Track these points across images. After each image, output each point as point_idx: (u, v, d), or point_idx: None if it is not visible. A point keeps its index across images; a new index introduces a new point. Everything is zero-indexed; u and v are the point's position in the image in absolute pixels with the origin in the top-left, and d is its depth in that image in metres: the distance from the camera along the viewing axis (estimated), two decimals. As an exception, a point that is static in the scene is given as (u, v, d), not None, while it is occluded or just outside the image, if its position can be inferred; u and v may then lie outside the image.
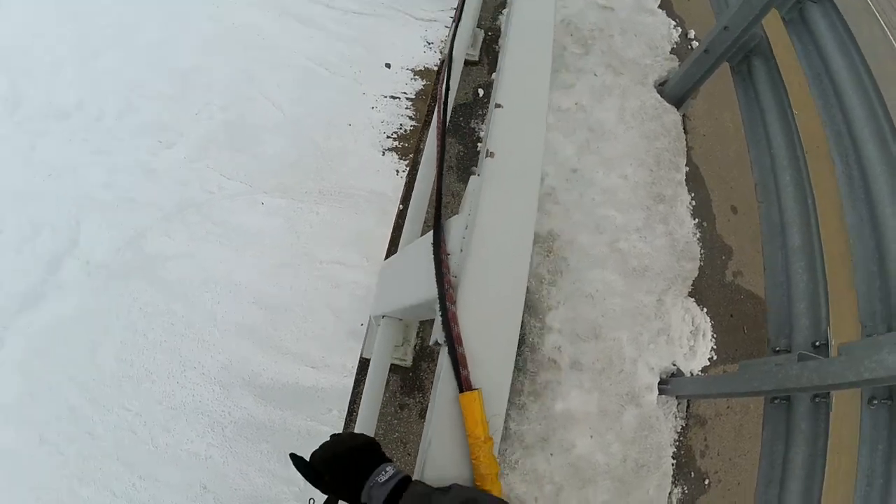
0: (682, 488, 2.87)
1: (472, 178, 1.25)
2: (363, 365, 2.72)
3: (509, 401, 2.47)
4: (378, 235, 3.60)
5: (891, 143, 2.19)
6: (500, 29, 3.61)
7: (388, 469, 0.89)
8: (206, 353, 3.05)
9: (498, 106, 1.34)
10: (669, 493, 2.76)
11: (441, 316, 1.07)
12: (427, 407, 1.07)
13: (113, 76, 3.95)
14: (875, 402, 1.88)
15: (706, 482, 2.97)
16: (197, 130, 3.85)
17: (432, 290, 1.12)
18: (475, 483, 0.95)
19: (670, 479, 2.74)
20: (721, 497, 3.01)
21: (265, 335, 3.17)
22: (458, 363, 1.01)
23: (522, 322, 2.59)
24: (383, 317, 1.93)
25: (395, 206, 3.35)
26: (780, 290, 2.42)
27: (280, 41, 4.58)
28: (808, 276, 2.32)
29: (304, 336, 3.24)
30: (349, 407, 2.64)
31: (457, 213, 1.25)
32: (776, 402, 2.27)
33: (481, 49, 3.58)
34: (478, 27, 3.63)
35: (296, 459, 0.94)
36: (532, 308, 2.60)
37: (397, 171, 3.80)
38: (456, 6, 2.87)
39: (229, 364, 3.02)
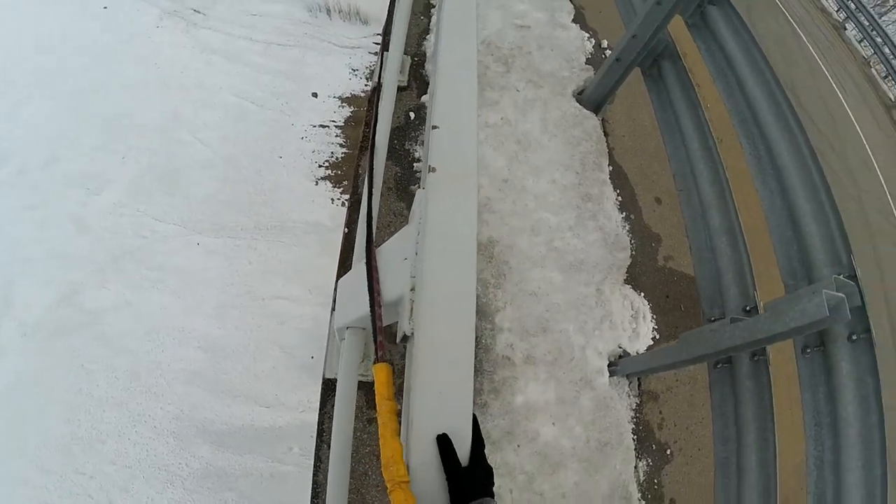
0: (647, 461, 3.03)
1: (418, 192, 1.35)
2: (327, 387, 2.73)
3: (473, 401, 2.57)
4: (319, 266, 3.57)
5: (790, 120, 2.44)
6: (425, 54, 3.76)
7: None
8: (156, 404, 2.95)
9: (434, 127, 1.46)
10: (635, 467, 2.92)
11: (374, 336, 1.22)
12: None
13: (36, 127, 3.82)
14: (808, 350, 2.07)
15: (668, 452, 3.15)
16: (125, 175, 3.76)
17: (395, 291, 1.25)
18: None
19: (633, 453, 2.91)
20: (685, 464, 3.19)
21: (214, 379, 3.10)
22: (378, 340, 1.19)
23: (476, 325, 2.71)
24: (347, 328, 1.97)
25: (333, 235, 3.37)
26: (707, 266, 2.65)
27: (206, 79, 4.55)
28: (732, 250, 2.55)
29: (254, 376, 3.17)
30: (318, 429, 2.64)
31: (397, 231, 1.37)
32: (719, 366, 2.48)
33: (409, 74, 3.71)
34: (405, 54, 3.77)
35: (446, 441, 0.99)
36: (481, 312, 2.72)
37: (332, 200, 3.82)
38: (381, 33, 2.98)
39: (180, 414, 2.94)
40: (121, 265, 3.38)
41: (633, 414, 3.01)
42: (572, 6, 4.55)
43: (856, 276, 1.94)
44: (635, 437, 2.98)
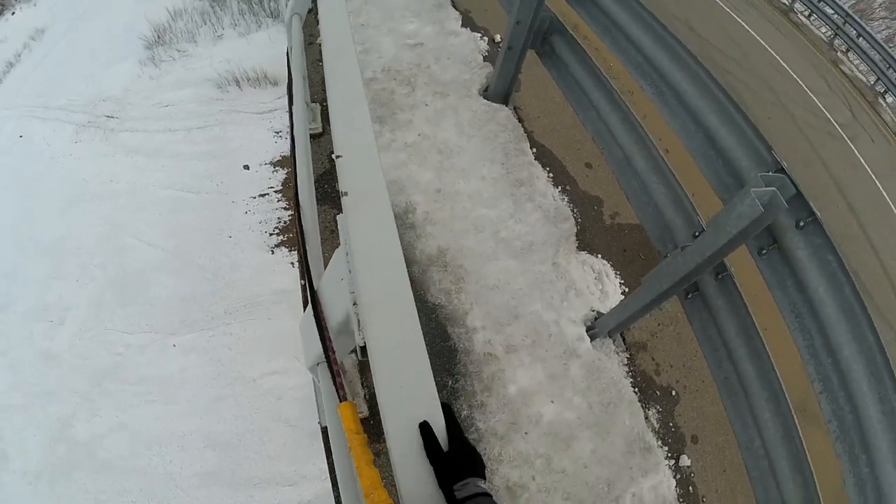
0: (655, 408, 3.11)
1: (339, 217, 1.47)
2: (326, 435, 2.76)
3: (469, 405, 2.64)
4: (295, 331, 3.58)
5: (679, 50, 2.57)
6: None
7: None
8: (180, 515, 2.93)
9: (338, 157, 1.58)
10: (646, 417, 2.99)
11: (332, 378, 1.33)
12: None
13: (-21, 271, 3.81)
14: (764, 251, 2.15)
15: (673, 393, 3.24)
16: (83, 298, 3.75)
17: (341, 313, 1.35)
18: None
19: (638, 404, 2.98)
20: (693, 399, 3.28)
21: (230, 473, 3.07)
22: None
23: (449, 333, 2.79)
24: (318, 364, 2.03)
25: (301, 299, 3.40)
26: (647, 209, 2.77)
27: (136, 181, 4.56)
28: (665, 187, 2.68)
29: (268, 458, 3.14)
30: (331, 478, 2.66)
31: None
32: (690, 296, 2.58)
33: (322, 120, 3.80)
34: (313, 102, 3.86)
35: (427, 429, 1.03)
36: (452, 319, 2.79)
37: (292, 264, 3.85)
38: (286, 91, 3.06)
39: (206, 519, 2.94)
40: (104, 388, 3.35)
41: (626, 368, 3.09)
42: (458, 12, 4.71)
43: (783, 168, 2.02)
44: (635, 389, 3.06)
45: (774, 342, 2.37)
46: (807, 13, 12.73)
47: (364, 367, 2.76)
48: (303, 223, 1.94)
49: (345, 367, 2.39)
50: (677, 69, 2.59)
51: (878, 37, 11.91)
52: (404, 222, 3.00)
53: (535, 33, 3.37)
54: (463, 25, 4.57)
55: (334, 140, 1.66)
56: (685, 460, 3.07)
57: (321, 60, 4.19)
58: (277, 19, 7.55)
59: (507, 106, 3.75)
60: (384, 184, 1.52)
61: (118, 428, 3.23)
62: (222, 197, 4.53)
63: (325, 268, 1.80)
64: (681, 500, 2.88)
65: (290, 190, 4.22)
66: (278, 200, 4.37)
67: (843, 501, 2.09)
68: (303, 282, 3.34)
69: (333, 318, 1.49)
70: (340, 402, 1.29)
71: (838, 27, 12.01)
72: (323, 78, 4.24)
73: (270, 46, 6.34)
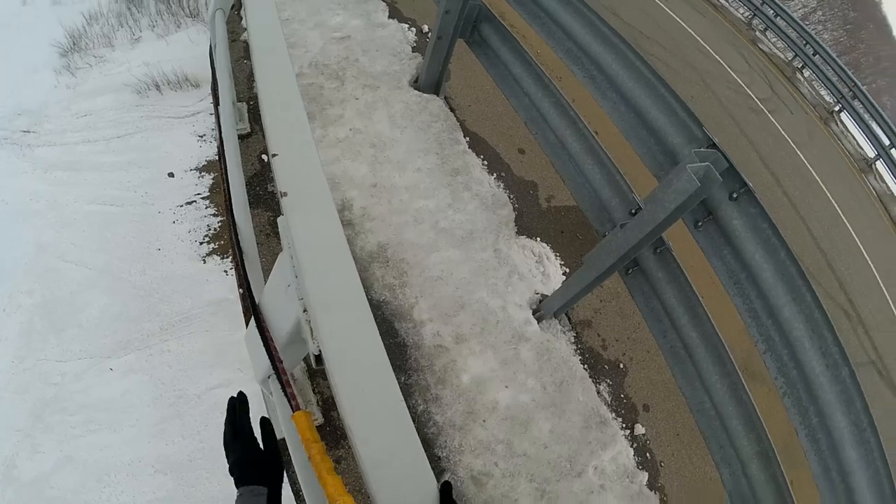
0: (606, 381, 3.19)
1: (280, 219, 1.39)
2: (284, 448, 2.67)
3: (425, 399, 2.61)
4: (237, 340, 3.41)
5: (609, 34, 2.62)
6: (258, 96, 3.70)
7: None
8: (137, 551, 2.78)
9: (274, 155, 1.50)
10: (598, 392, 3.06)
11: (282, 389, 1.30)
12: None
13: None
14: (700, 224, 2.22)
15: (621, 366, 3.34)
16: (12, 328, 3.49)
17: (290, 321, 1.29)
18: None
19: (590, 380, 3.04)
20: (641, 370, 3.40)
21: (186, 496, 2.93)
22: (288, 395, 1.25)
23: (397, 329, 2.75)
24: (269, 378, 1.95)
25: (238, 306, 3.29)
26: (584, 190, 2.81)
27: (57, 197, 4.28)
28: (599, 168, 2.72)
29: (223, 476, 3.04)
30: (292, 489, 2.58)
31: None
32: (630, 272, 2.64)
33: (249, 120, 3.67)
34: (239, 102, 3.71)
35: None
36: (398, 314, 2.76)
37: (226, 272, 3.71)
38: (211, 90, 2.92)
39: (171, 544, 2.80)
40: (45, 422, 3.14)
41: (574, 346, 3.15)
42: (384, 3, 4.65)
43: (715, 144, 2.10)
44: (585, 365, 3.12)
45: (715, 308, 2.45)
46: (725, -4, 13.37)
47: (314, 373, 2.70)
48: (237, 230, 1.85)
49: (294, 376, 2.31)
50: (608, 53, 2.65)
51: (794, 15, 12.64)
52: (341, 219, 2.91)
53: (464, 22, 3.35)
54: (390, 17, 4.52)
55: (268, 138, 1.58)
56: (639, 429, 3.17)
57: (246, 57, 4.07)
58: (197, 18, 7.25)
59: (438, 96, 3.73)
60: (325, 181, 1.45)
61: (64, 462, 3.03)
62: (148, 208, 4.32)
63: (264, 275, 1.72)
64: (640, 467, 2.98)
65: (218, 195, 4.06)
66: (206, 207, 4.19)
67: (796, 451, 2.23)
68: (241, 290, 3.23)
69: (281, 327, 1.42)
70: (294, 412, 1.25)
71: (757, 8, 12.65)
72: (249, 75, 4.12)
73: (191, 47, 6.07)
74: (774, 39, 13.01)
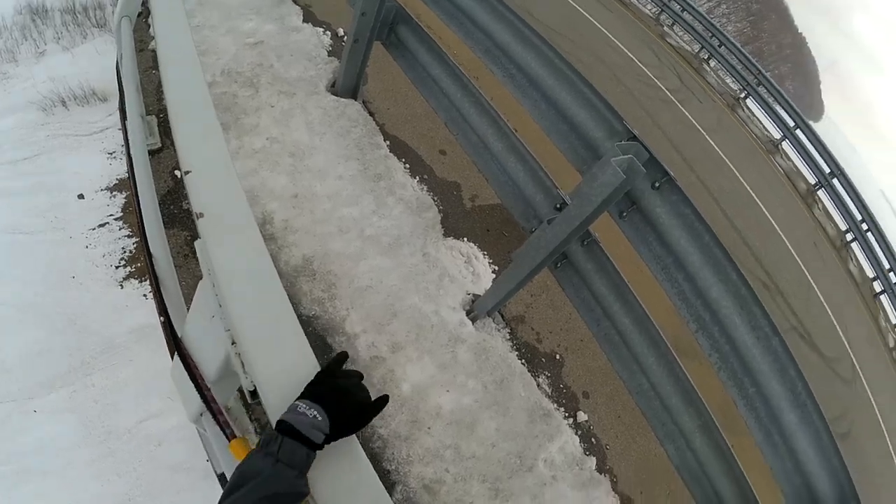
0: (545, 374, 3.25)
1: (197, 243, 1.27)
2: (224, 483, 2.54)
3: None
4: (164, 367, 3.24)
5: (527, 32, 2.65)
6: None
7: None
8: None
9: (187, 172, 1.38)
10: (538, 385, 3.10)
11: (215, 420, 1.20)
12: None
13: None
14: (625, 214, 2.29)
15: (557, 357, 3.40)
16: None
17: (219, 355, 1.19)
18: None
19: (528, 374, 3.08)
20: (577, 359, 3.48)
21: None
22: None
23: (330, 344, 2.67)
24: (202, 415, 1.82)
25: (161, 331, 3.11)
26: (508, 188, 2.83)
27: (-44, 226, 3.91)
28: (522, 165, 2.74)
29: None
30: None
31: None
32: (559, 265, 2.68)
33: (160, 133, 3.47)
34: (148, 115, 3.51)
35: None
36: (330, 329, 2.68)
37: (145, 296, 3.50)
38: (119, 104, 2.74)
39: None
40: None
41: (510, 343, 3.18)
42: (299, 7, 4.53)
43: (635, 136, 2.16)
44: (523, 360, 3.16)
45: (643, 292, 2.52)
46: (633, -8, 13.97)
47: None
48: (151, 254, 1.72)
49: (228, 405, 2.18)
50: (527, 51, 2.68)
51: (700, 9, 13.37)
52: (263, 234, 2.79)
53: (380, 24, 3.32)
54: (304, 20, 4.41)
55: (180, 154, 1.46)
56: (582, 416, 3.25)
57: (154, 67, 3.84)
58: (104, 28, 6.80)
59: (356, 100, 3.67)
60: (245, 198, 1.36)
61: (-3, 518, 2.74)
62: (59, 234, 3.99)
63: (184, 300, 1.60)
64: (587, 453, 3.04)
65: (131, 216, 3.81)
66: (120, 229, 3.92)
67: (736, 419, 2.32)
68: (162, 319, 3.04)
69: (209, 361, 1.30)
70: (230, 440, 1.18)
71: (664, 3, 13.28)
72: (158, 86, 3.90)
73: (98, 59, 5.68)
74: (681, 33, 13.73)
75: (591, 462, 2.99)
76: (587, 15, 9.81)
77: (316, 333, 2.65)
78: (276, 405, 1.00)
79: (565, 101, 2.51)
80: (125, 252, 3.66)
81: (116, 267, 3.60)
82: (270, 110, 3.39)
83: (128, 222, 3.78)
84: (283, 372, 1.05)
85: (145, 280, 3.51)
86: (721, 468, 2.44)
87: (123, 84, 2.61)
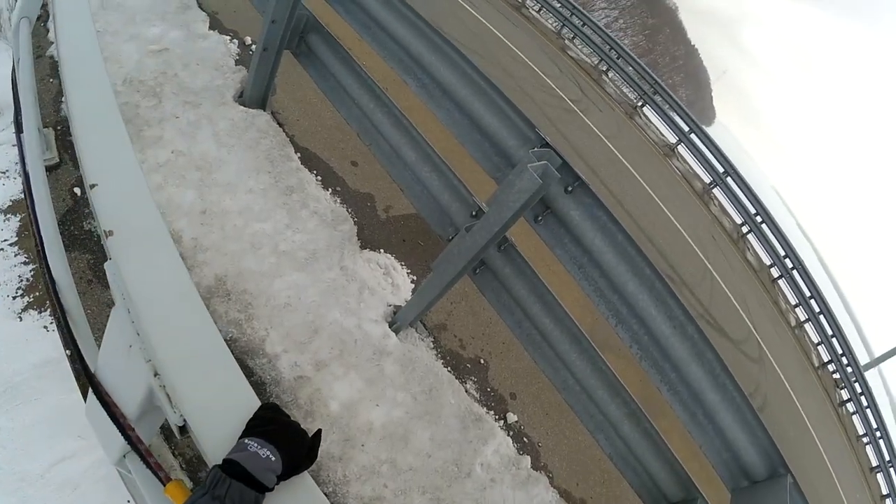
0: (471, 379, 3.29)
1: (107, 264, 1.15)
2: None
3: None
4: (73, 404, 2.98)
5: (440, 43, 2.67)
6: (67, 119, 3.23)
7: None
8: None
9: (93, 186, 1.25)
10: (466, 391, 3.13)
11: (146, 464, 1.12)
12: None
13: None
14: (540, 218, 2.36)
15: (482, 361, 3.45)
16: None
17: (140, 389, 1.08)
18: None
19: (456, 381, 3.10)
20: (501, 361, 3.55)
21: None
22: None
23: (251, 367, 2.55)
24: (125, 456, 1.64)
25: (66, 363, 2.83)
26: (423, 198, 2.84)
27: None
28: (437, 175, 2.76)
29: None
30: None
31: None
32: (478, 272, 2.72)
33: (57, 147, 3.16)
34: (44, 128, 3.18)
35: None
36: (249, 351, 2.55)
37: (46, 328, 3.21)
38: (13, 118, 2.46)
39: None
40: None
41: (435, 352, 3.19)
42: (205, 14, 4.32)
43: (547, 143, 2.24)
44: (449, 367, 3.18)
45: (562, 291, 2.61)
46: (537, 8, 14.62)
47: (170, 434, 2.38)
48: (54, 280, 1.55)
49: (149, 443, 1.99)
50: (440, 62, 2.71)
51: (599, 23, 14.18)
52: (171, 254, 2.64)
53: (291, 32, 3.24)
54: (211, 28, 4.20)
55: (84, 167, 1.33)
56: (511, 417, 3.32)
57: (52, 76, 3.50)
58: (-1, 35, 6.14)
59: (265, 111, 3.55)
60: (157, 210, 1.26)
61: None
62: (-50, 266, 3.56)
63: (92, 329, 1.45)
64: (521, 452, 3.11)
65: (27, 240, 3.47)
66: (16, 255, 3.56)
67: (660, 405, 2.48)
68: (69, 352, 2.76)
69: (129, 397, 1.17)
70: (165, 485, 1.07)
71: (566, 18, 13.98)
72: (55, 96, 3.57)
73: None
74: (581, 46, 14.53)
75: (526, 461, 3.06)
76: (494, 30, 10.13)
77: (235, 357, 2.50)
78: (212, 441, 0.94)
79: (479, 111, 2.57)
80: (22, 280, 3.34)
81: (14, 297, 3.28)
82: (175, 121, 3.20)
83: (24, 247, 3.45)
84: (216, 403, 1.00)
85: (46, 310, 3.23)
86: (651, 451, 2.57)
87: (20, 94, 2.36)
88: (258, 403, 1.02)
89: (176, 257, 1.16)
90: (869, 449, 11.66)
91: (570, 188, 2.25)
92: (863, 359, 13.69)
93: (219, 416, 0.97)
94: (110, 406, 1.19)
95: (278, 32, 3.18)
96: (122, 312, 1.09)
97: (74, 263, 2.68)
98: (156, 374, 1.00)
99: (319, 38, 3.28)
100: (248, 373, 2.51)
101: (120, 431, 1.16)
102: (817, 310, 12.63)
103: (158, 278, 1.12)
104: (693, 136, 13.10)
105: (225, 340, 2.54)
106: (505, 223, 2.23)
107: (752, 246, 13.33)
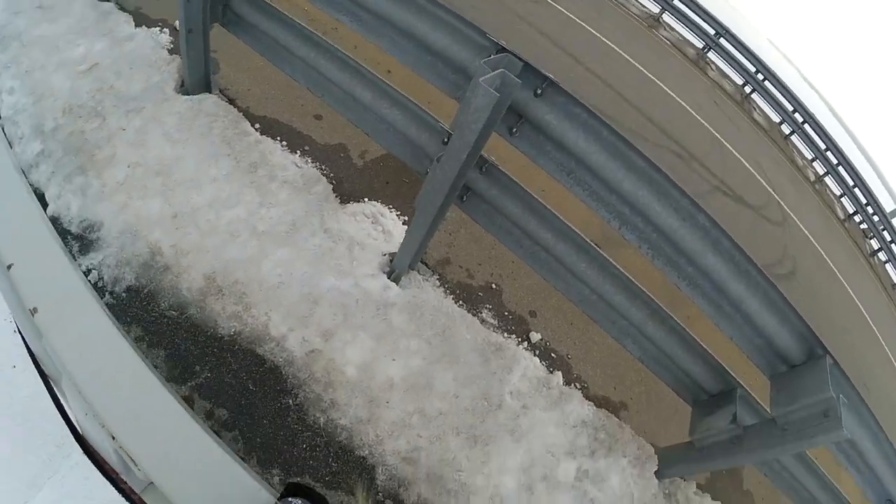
0: (486, 307, 3.27)
1: (40, 344, 1.12)
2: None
3: (322, 410, 2.45)
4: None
5: None
6: None
7: None
8: None
9: (10, 266, 1.20)
10: (481, 321, 3.10)
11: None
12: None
13: None
14: (514, 129, 2.21)
15: (494, 286, 3.40)
16: None
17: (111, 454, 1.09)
18: None
19: (469, 314, 3.06)
20: (513, 283, 3.49)
21: None
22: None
23: (262, 355, 2.52)
24: None
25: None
26: (390, 135, 2.72)
27: None
28: (398, 109, 2.64)
29: None
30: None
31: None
32: (464, 198, 2.63)
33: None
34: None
35: None
36: (256, 339, 2.53)
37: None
38: None
39: None
40: None
41: (442, 290, 3.13)
42: (127, 14, 4.10)
43: (504, 47, 2.05)
44: (459, 302, 3.13)
45: (558, 200, 2.51)
46: None
47: None
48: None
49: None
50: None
51: None
52: (155, 267, 2.60)
53: (212, 3, 3.04)
54: (136, 25, 3.98)
55: None
56: (535, 336, 3.27)
57: None
58: None
59: (210, 92, 3.39)
60: (80, 275, 1.19)
61: None
62: None
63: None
64: (550, 369, 3.08)
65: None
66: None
67: (681, 300, 2.37)
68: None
69: (109, 454, 1.17)
70: None
71: None
72: None
73: None
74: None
75: (557, 377, 3.03)
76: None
77: (243, 349, 2.51)
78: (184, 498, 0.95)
79: (422, 31, 2.39)
80: None
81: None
82: (123, 134, 3.09)
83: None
84: (180, 463, 0.99)
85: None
86: (681, 347, 2.53)
87: None
88: (221, 450, 1.02)
89: (104, 317, 1.10)
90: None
91: (538, 91, 2.07)
92: (888, 206, 13.28)
93: (185, 471, 0.97)
94: (99, 462, 1.19)
95: (197, 8, 2.99)
96: (69, 385, 1.08)
97: None
98: (113, 438, 1.00)
99: (244, 1, 3.07)
100: (261, 361, 2.51)
101: (112, 484, 1.16)
102: (835, 161, 12.31)
103: (94, 346, 1.08)
104: (677, 1, 12.29)
105: (230, 336, 2.54)
106: (473, 146, 2.09)
107: (757, 105, 12.82)
